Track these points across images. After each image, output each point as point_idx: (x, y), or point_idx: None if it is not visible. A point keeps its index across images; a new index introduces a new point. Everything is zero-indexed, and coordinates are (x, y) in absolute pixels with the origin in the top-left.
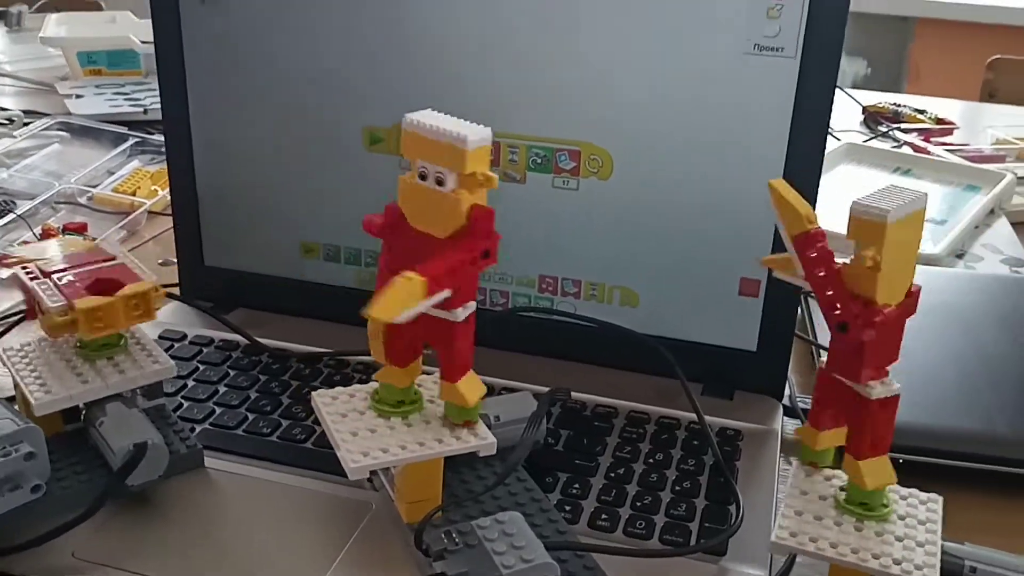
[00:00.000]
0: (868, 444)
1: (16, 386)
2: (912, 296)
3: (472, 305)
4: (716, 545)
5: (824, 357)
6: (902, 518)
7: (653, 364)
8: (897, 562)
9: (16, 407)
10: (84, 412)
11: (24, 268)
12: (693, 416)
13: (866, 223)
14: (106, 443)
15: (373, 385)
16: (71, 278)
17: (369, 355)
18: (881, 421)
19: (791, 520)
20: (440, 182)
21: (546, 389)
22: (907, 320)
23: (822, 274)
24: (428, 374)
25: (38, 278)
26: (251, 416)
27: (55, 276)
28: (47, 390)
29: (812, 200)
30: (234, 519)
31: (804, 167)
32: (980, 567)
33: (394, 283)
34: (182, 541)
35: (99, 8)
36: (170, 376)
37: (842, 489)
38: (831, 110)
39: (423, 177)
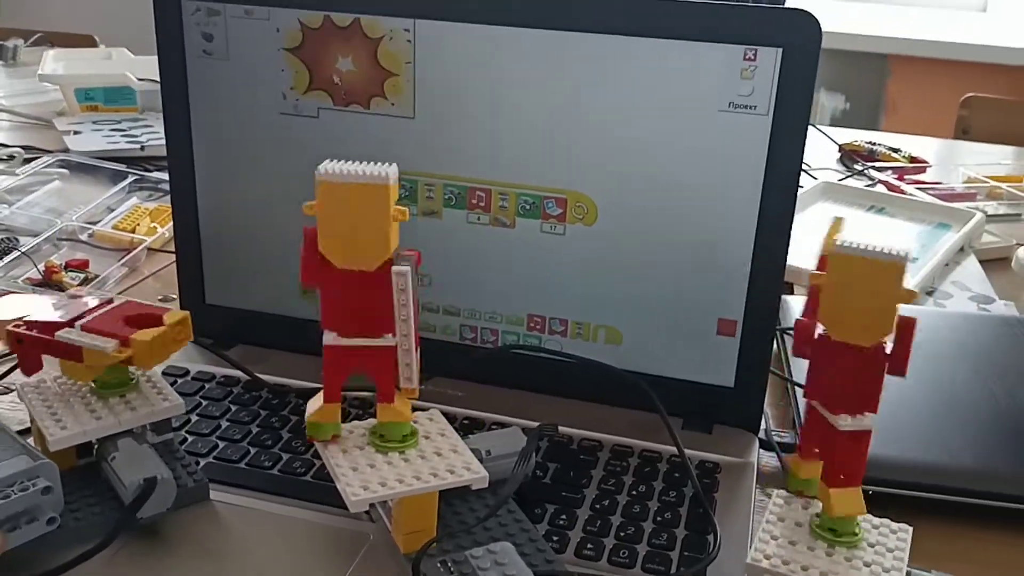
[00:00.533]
0: (837, 473)
1: (32, 421)
2: (893, 353)
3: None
4: (695, 573)
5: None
6: (872, 545)
7: (635, 399)
8: None
9: (30, 440)
10: (97, 447)
11: (18, 327)
12: (674, 450)
13: (826, 253)
14: (118, 477)
15: (372, 421)
16: (97, 321)
17: (364, 392)
18: (850, 453)
19: (767, 544)
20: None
21: (535, 424)
22: (889, 370)
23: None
24: (423, 410)
25: (47, 331)
26: (253, 450)
27: (76, 324)
28: (62, 426)
29: (786, 240)
30: (238, 550)
31: (777, 212)
32: None
33: None
34: (190, 571)
35: (94, 43)
36: (179, 413)
37: (817, 516)
38: (801, 161)
39: None
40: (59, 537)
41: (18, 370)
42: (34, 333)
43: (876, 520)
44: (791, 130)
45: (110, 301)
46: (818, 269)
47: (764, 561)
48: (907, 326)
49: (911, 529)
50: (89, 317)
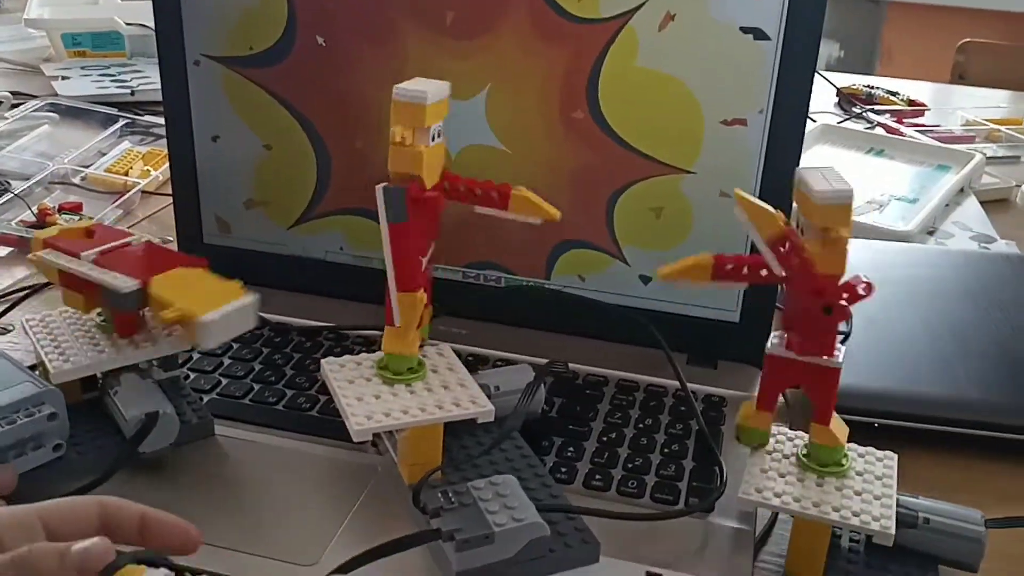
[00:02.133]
0: (831, 408)
1: (37, 355)
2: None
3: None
4: (703, 506)
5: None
6: (860, 474)
7: (640, 336)
8: (856, 514)
9: (38, 375)
10: (101, 382)
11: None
12: (679, 384)
13: (834, 207)
14: (120, 411)
15: (379, 354)
16: (107, 258)
17: (366, 329)
18: (832, 389)
19: (756, 477)
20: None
21: (541, 360)
22: (877, 294)
23: (797, 263)
24: (432, 345)
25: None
26: (256, 386)
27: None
28: (65, 359)
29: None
30: (246, 483)
31: (784, 146)
32: (933, 518)
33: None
34: (195, 504)
35: None
36: (184, 349)
37: (804, 449)
38: (810, 92)
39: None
40: (61, 470)
41: (16, 309)
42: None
43: (861, 449)
44: (800, 58)
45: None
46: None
47: (756, 495)
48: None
49: (896, 456)
50: (112, 254)
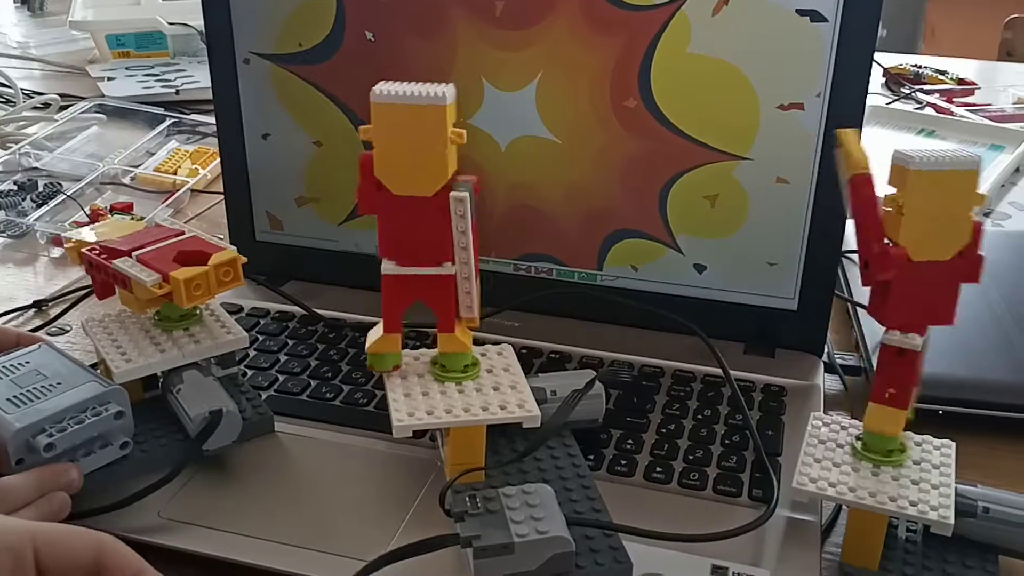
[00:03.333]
0: (884, 390)
1: (98, 356)
2: (966, 259)
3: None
4: (766, 495)
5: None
6: (917, 463)
7: (695, 325)
8: (913, 504)
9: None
10: (162, 380)
11: (92, 250)
12: (738, 373)
13: (897, 169)
14: (184, 410)
15: (436, 350)
16: (151, 253)
17: (423, 325)
18: (896, 369)
19: (811, 467)
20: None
21: (596, 352)
22: (965, 280)
23: (862, 216)
24: (495, 344)
25: (114, 257)
26: (314, 383)
27: (134, 253)
28: (127, 359)
29: None
30: (307, 479)
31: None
32: (992, 507)
33: None
34: (260, 500)
35: None
36: (243, 346)
37: (859, 437)
38: (869, 74)
39: None
40: (126, 469)
41: (74, 310)
42: (98, 257)
43: (918, 437)
44: (858, 40)
45: (182, 233)
46: (892, 184)
47: (810, 485)
48: (977, 230)
49: (954, 444)
50: (149, 248)
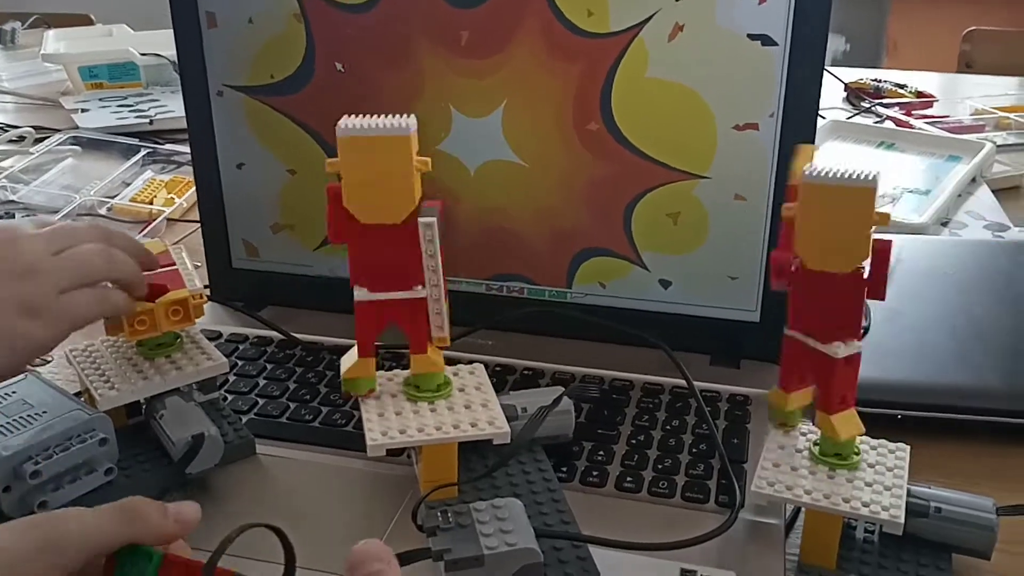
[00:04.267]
0: (837, 400)
1: (82, 383)
2: (871, 276)
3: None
4: (732, 500)
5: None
6: (872, 466)
7: (663, 339)
8: (866, 504)
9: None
10: (145, 407)
11: None
12: (705, 385)
13: (796, 183)
14: (167, 435)
15: (410, 371)
16: None
17: (396, 347)
18: (847, 378)
19: (769, 471)
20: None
21: (567, 367)
22: (868, 294)
23: (783, 225)
24: (467, 364)
25: None
26: (292, 405)
27: None
28: (111, 386)
29: None
30: (288, 499)
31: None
32: (944, 507)
33: None
34: (242, 521)
35: (91, 22)
36: (223, 371)
37: (815, 443)
38: (819, 95)
39: None
40: (111, 494)
41: None
42: None
43: (873, 441)
44: (808, 62)
45: (172, 263)
46: (788, 200)
47: (767, 488)
48: (882, 250)
49: (908, 447)
50: None
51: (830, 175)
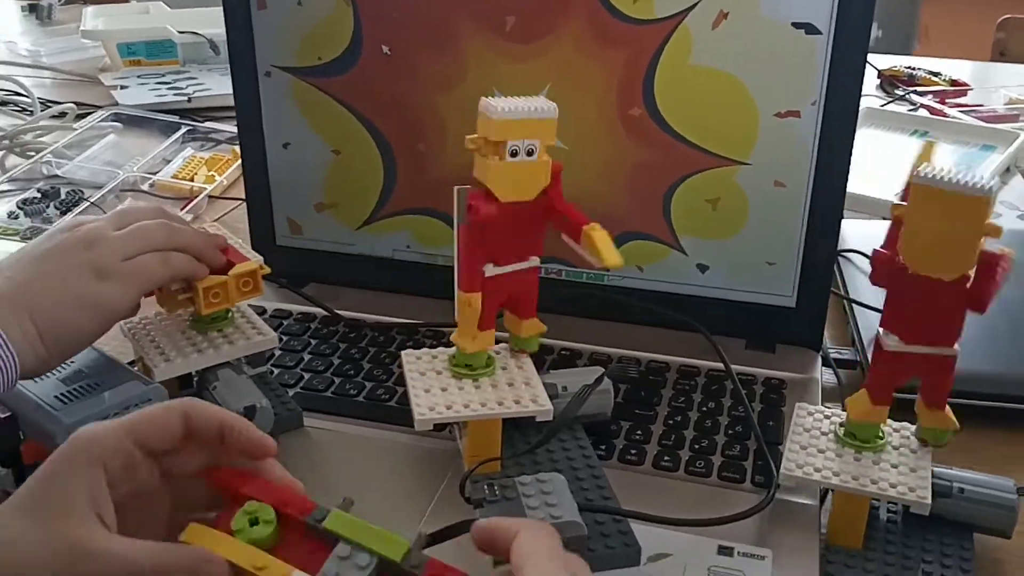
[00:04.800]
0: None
1: (138, 357)
2: (973, 286)
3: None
4: (767, 480)
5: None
6: (896, 448)
7: (695, 322)
8: (893, 485)
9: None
10: (197, 379)
11: None
12: (740, 368)
13: (909, 182)
14: (220, 405)
15: (455, 348)
16: None
17: (436, 325)
18: (887, 370)
19: (797, 454)
20: (530, 153)
21: (604, 348)
22: (969, 305)
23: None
24: (504, 342)
25: None
26: (337, 380)
27: None
28: (166, 359)
29: (846, 164)
30: (336, 470)
31: (837, 135)
32: (967, 487)
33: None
34: None
35: None
36: (273, 346)
37: (841, 425)
38: (862, 82)
39: (513, 154)
40: None
41: None
42: None
43: (896, 424)
44: (851, 50)
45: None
46: (902, 199)
47: (797, 471)
48: (990, 262)
49: None
50: None
51: (945, 179)
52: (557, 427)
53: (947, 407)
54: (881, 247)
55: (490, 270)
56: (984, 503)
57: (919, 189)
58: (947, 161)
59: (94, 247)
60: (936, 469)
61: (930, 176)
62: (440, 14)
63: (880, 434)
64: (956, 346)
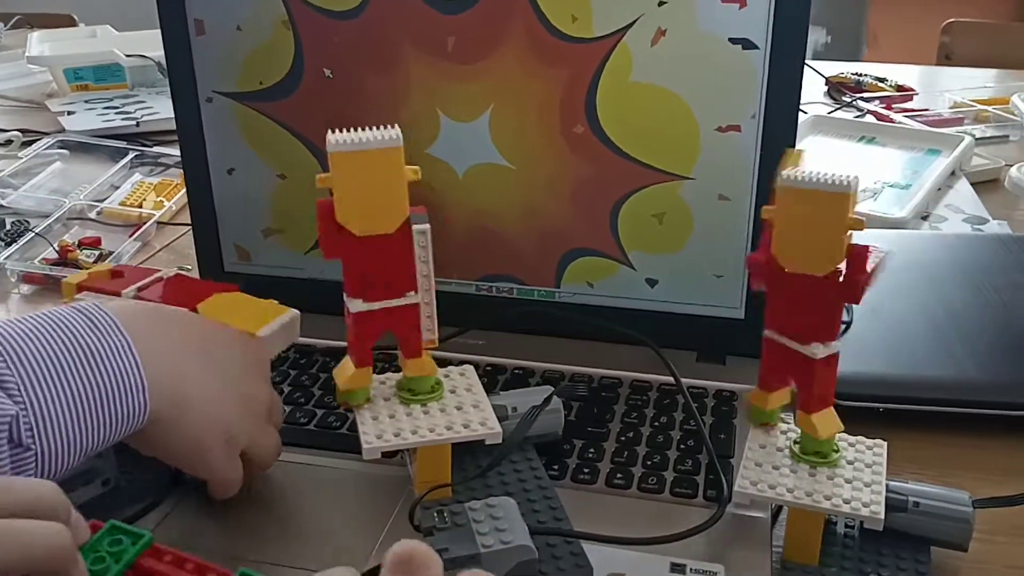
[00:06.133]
0: (817, 399)
1: None
2: (846, 279)
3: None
4: (719, 495)
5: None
6: (851, 462)
7: (648, 336)
8: (847, 501)
9: None
10: None
11: (84, 289)
12: (692, 381)
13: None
14: None
15: (402, 374)
16: (154, 289)
17: (386, 348)
18: (827, 377)
19: (751, 471)
20: None
21: (557, 366)
22: (844, 297)
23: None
24: (456, 365)
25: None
26: (287, 407)
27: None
28: None
29: None
30: (287, 499)
31: (778, 146)
32: (922, 501)
33: None
34: (242, 522)
35: (74, 23)
36: None
37: (796, 442)
38: (799, 96)
39: None
40: (113, 496)
41: None
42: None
43: (851, 438)
44: (788, 64)
45: (155, 271)
46: (772, 203)
47: (751, 488)
48: (859, 254)
49: (885, 444)
50: (150, 285)
51: (806, 179)
52: (506, 451)
53: (820, 413)
54: (754, 252)
55: (355, 306)
56: (939, 516)
57: (784, 191)
58: (816, 164)
59: None
60: (891, 483)
61: (793, 178)
62: (381, 36)
63: (835, 448)
64: (837, 342)
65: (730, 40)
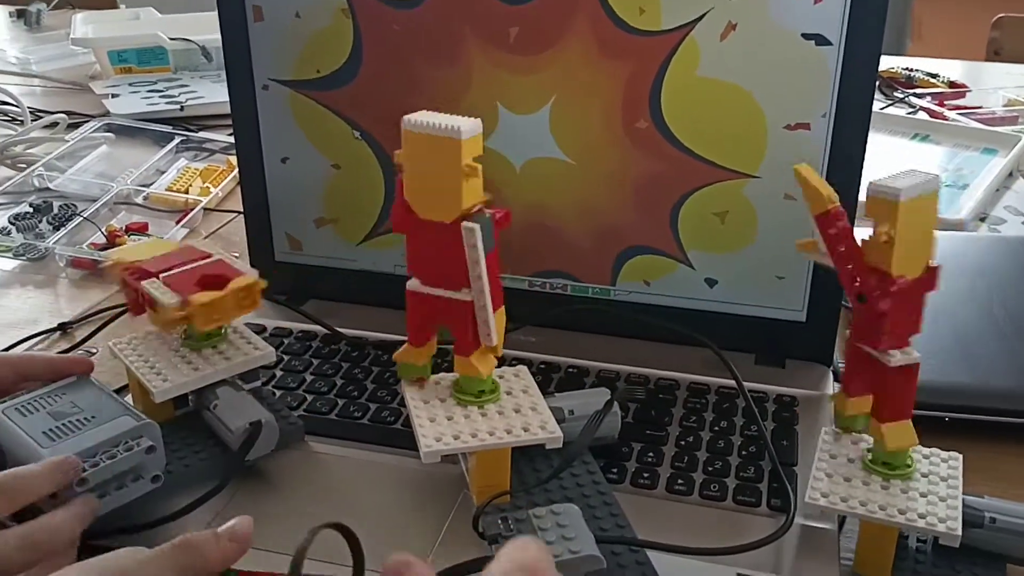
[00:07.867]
0: (889, 409)
1: (130, 377)
2: (931, 271)
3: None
4: (784, 504)
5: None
6: (925, 475)
7: (707, 338)
8: (922, 516)
9: (127, 397)
10: (193, 397)
11: (127, 269)
12: (751, 385)
13: (881, 202)
14: (223, 424)
15: (456, 374)
16: (177, 276)
17: (439, 343)
18: (901, 387)
19: (823, 482)
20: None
21: (612, 365)
22: (931, 291)
23: (842, 249)
24: (511, 365)
25: (144, 278)
26: (341, 401)
27: (161, 275)
28: (164, 379)
29: (858, 171)
30: (342, 497)
31: (849, 144)
32: (999, 517)
33: None
34: (300, 513)
35: (115, 5)
36: (271, 360)
37: (868, 451)
38: (873, 92)
39: None
40: (168, 484)
41: (98, 333)
42: (130, 277)
43: (926, 450)
44: (862, 62)
45: (208, 255)
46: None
47: (822, 499)
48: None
49: (961, 457)
50: (176, 270)
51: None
52: (571, 458)
53: (892, 425)
54: (871, 276)
55: (412, 284)
56: (1017, 533)
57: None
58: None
59: None
60: (967, 498)
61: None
62: (442, 26)
63: (909, 461)
64: (916, 354)
65: (803, 35)
